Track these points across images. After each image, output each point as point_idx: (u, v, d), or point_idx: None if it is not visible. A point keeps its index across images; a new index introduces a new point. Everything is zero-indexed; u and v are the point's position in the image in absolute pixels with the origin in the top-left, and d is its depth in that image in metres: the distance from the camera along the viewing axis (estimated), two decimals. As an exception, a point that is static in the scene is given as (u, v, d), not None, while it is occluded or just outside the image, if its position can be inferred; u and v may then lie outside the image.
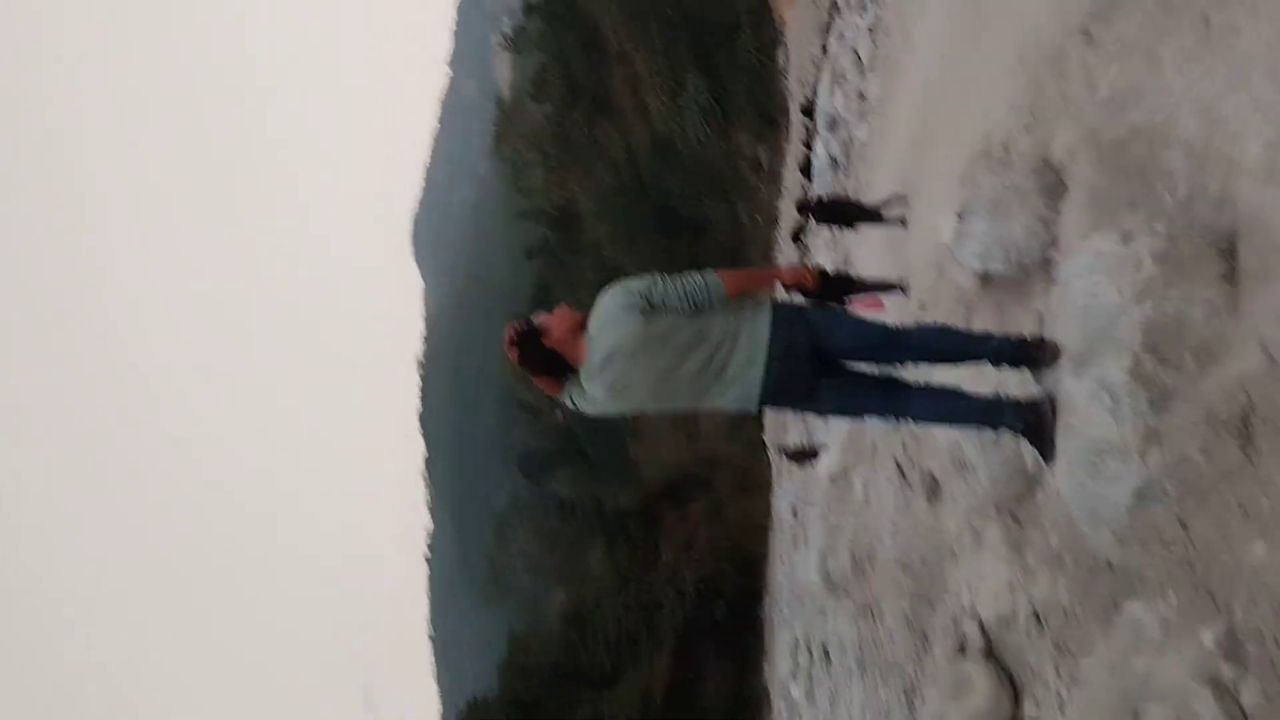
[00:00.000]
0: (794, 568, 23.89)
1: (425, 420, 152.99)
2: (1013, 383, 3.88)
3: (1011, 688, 4.75)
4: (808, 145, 31.64)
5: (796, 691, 18.80)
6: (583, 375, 3.61)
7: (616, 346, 3.50)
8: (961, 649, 5.37)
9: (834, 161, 24.30)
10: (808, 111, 31.98)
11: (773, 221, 46.01)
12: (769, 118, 48.71)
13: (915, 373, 3.61)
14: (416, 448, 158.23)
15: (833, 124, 25.06)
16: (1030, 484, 3.99)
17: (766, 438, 42.99)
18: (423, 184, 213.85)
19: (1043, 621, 4.13)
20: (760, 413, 3.61)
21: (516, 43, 76.42)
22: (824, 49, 29.42)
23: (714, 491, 49.83)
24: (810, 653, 17.51)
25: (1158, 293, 2.55)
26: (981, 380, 3.99)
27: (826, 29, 29.28)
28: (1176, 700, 2.51)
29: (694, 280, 3.50)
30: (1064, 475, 2.93)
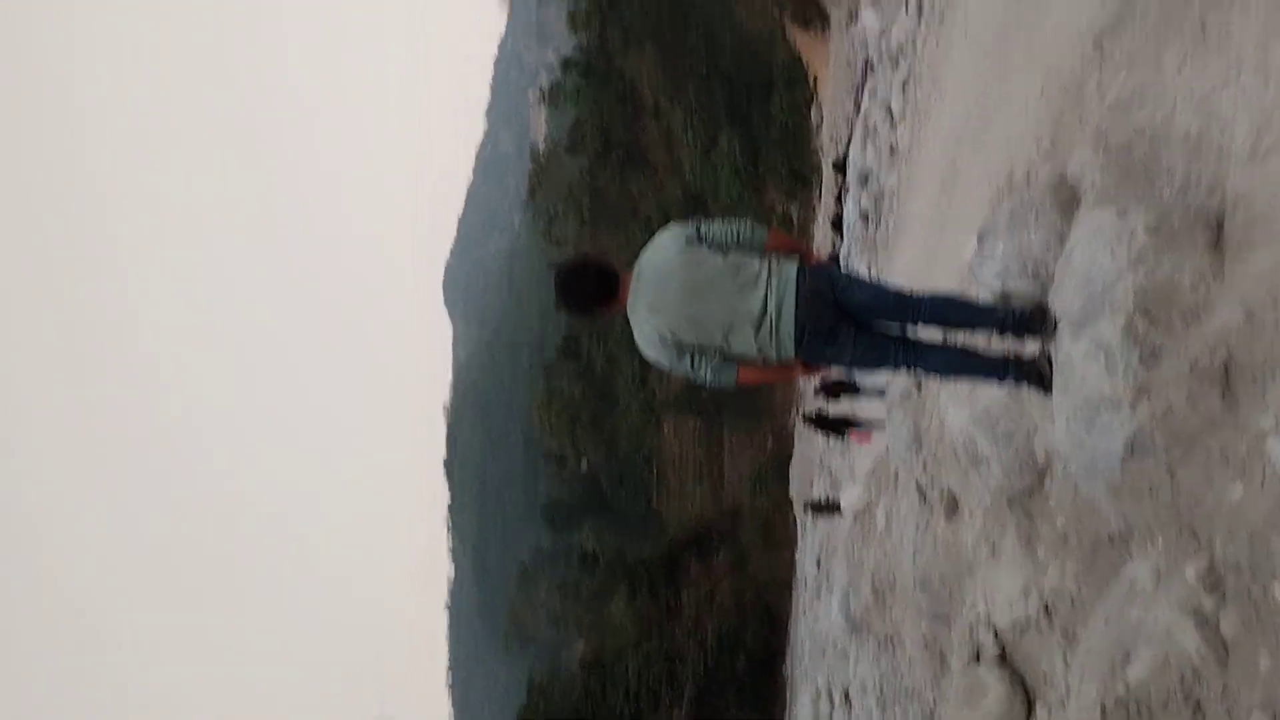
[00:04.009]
0: (817, 618, 23.84)
1: (451, 467, 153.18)
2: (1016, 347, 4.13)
3: (1024, 692, 4.89)
4: (839, 200, 32.03)
5: (816, 738, 18.74)
6: (629, 304, 3.88)
7: (659, 266, 3.82)
8: (977, 658, 5.51)
9: (865, 216, 24.64)
10: (840, 167, 32.38)
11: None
12: (801, 174, 49.21)
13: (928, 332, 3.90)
14: (441, 495, 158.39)
15: (865, 179, 25.40)
16: (1040, 475, 4.20)
17: (792, 492, 42.93)
18: (456, 233, 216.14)
19: (1052, 612, 4.30)
20: (797, 356, 3.81)
21: (553, 97, 77.71)
22: (857, 106, 29.86)
23: (738, 544, 49.73)
24: (831, 700, 17.48)
25: (1150, 260, 2.79)
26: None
27: (860, 86, 29.74)
28: (1163, 637, 2.70)
29: (741, 221, 3.87)
30: (1063, 433, 3.14)
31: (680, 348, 3.85)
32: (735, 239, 3.83)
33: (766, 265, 3.76)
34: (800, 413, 29.49)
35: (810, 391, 20.94)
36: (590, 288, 3.92)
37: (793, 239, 4.02)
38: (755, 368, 3.86)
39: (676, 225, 3.92)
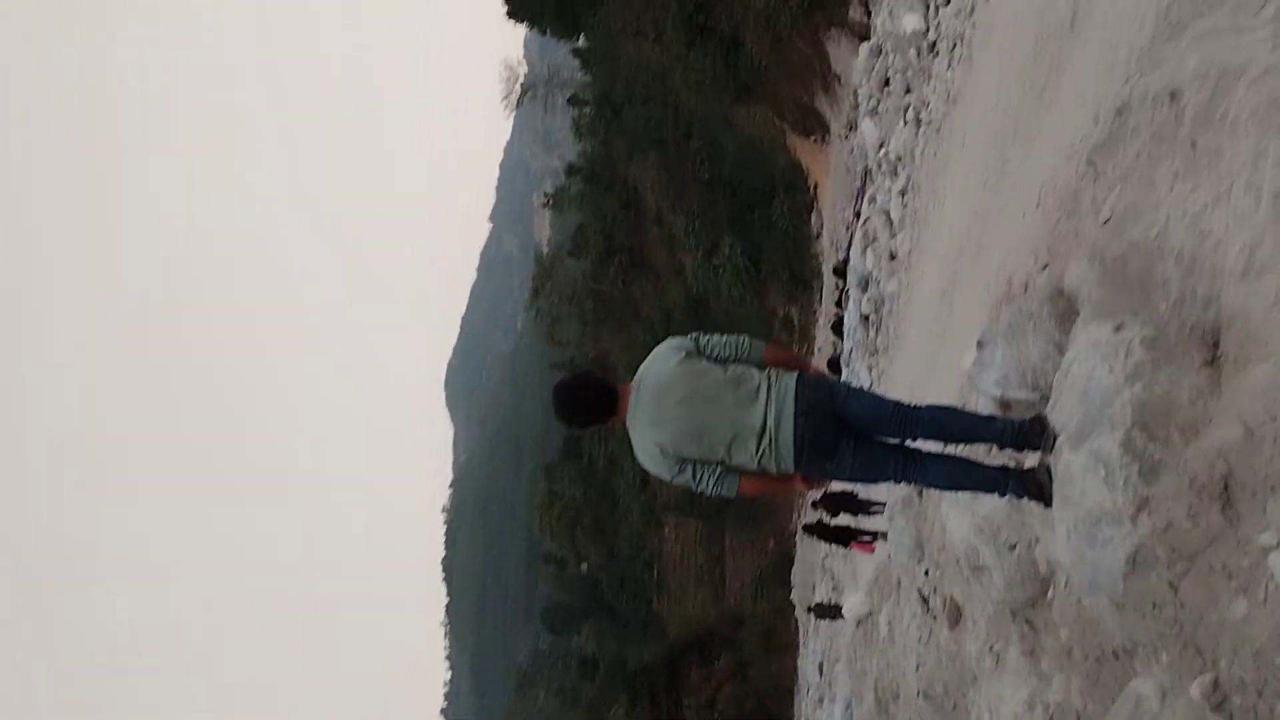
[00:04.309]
0: (819, 727, 23.39)
1: (449, 568, 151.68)
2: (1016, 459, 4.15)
3: (1030, 810, 4.79)
4: (839, 304, 32.32)
5: None
6: (628, 418, 3.90)
7: (658, 379, 3.84)
8: (982, 774, 5.41)
9: (865, 320, 24.85)
10: (840, 272, 32.74)
11: (804, 379, 46.36)
12: (802, 278, 49.68)
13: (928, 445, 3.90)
14: (439, 596, 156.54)
15: (865, 284, 25.68)
16: (1043, 585, 4.17)
17: (794, 596, 42.45)
18: (459, 333, 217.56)
19: (1057, 727, 4.24)
20: (796, 470, 3.81)
21: (557, 201, 78.97)
22: (856, 213, 30.32)
23: (739, 649, 48.97)
24: (834, 813, 17.06)
25: (1147, 375, 2.83)
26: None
27: (859, 194, 30.22)
28: (1171, 757, 2.67)
29: (739, 336, 3.92)
30: (1065, 547, 3.14)
31: (680, 460, 3.85)
32: (734, 353, 3.88)
33: (766, 378, 3.79)
34: (800, 523, 29.74)
35: (809, 502, 21.21)
36: (588, 402, 3.97)
37: (791, 353, 4.06)
38: (756, 479, 3.87)
39: (675, 339, 3.97)
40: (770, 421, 3.72)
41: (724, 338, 3.91)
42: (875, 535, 13.68)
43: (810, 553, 36.13)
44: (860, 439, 3.82)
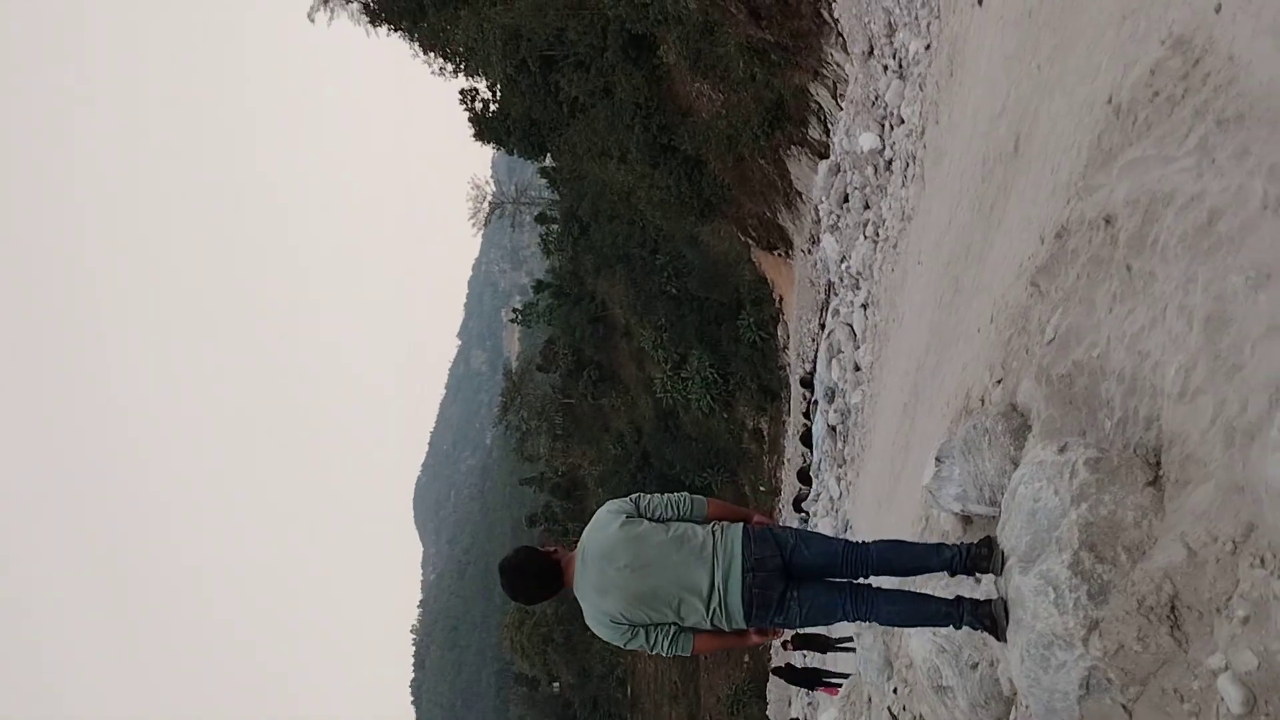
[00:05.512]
0: None
1: (418, 690, 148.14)
2: (967, 586, 4.13)
3: None
4: (807, 415, 32.45)
5: None
6: (575, 584, 3.89)
7: (601, 546, 3.81)
8: None
9: (832, 430, 24.92)
10: (807, 384, 32.93)
11: (775, 490, 46.41)
12: (769, 390, 49.98)
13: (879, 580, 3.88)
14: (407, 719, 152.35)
15: (831, 395, 25.82)
16: (1007, 705, 4.14)
17: (769, 712, 41.72)
18: (427, 449, 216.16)
19: None
20: (747, 625, 3.79)
21: (526, 317, 79.48)
22: (821, 325, 30.66)
23: (715, 771, 47.83)
24: None
25: (1092, 496, 2.86)
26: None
27: (823, 307, 30.62)
28: None
29: (680, 495, 3.91)
30: (1019, 671, 3.13)
31: (632, 626, 3.83)
32: (675, 513, 3.88)
33: (711, 535, 3.79)
34: (770, 666, 29.65)
35: (780, 643, 21.23)
36: (532, 580, 3.96)
37: (734, 506, 4.04)
38: (711, 636, 3.85)
39: (615, 501, 3.98)
40: (718, 580, 3.71)
41: (664, 498, 3.92)
42: (846, 677, 13.58)
43: (785, 668, 35.47)
44: (807, 583, 3.82)
